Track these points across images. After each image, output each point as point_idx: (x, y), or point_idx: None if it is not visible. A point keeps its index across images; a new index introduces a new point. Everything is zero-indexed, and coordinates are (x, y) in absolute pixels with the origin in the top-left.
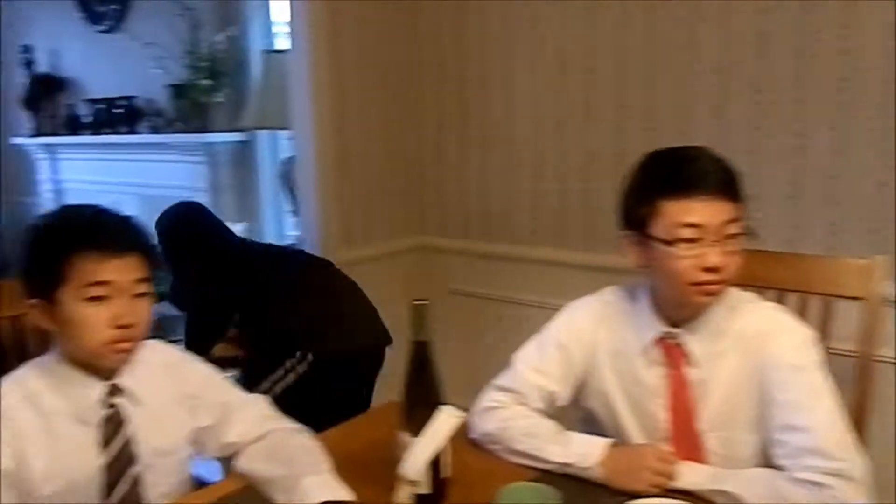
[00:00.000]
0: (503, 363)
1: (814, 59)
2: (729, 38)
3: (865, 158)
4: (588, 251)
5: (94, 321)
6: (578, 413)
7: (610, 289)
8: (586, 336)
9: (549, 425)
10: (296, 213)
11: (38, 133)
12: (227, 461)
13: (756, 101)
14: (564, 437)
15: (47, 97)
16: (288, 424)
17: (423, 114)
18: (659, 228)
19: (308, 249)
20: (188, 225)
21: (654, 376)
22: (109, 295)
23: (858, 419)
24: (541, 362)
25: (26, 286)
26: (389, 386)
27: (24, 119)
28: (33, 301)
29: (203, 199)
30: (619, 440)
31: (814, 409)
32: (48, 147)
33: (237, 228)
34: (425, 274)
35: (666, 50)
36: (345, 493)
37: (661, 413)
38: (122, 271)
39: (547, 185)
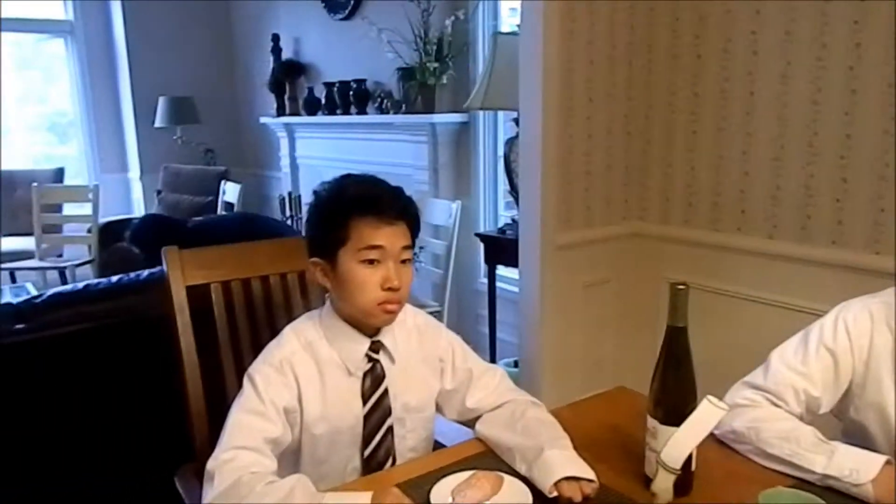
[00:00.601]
0: (730, 358)
1: None
2: None
3: None
4: (837, 248)
5: (368, 281)
6: (842, 425)
7: (892, 289)
8: (860, 340)
9: (809, 431)
10: (514, 193)
11: (281, 113)
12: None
13: None
14: (829, 447)
15: (290, 81)
16: (525, 397)
17: (651, 101)
18: None
19: (526, 230)
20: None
21: None
22: (381, 259)
23: None
24: (803, 363)
25: (310, 246)
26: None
27: (271, 101)
28: (316, 259)
29: (423, 176)
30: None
31: None
32: (287, 126)
33: (453, 207)
34: (641, 261)
35: None
36: (590, 472)
37: None
38: (393, 237)
39: (789, 177)
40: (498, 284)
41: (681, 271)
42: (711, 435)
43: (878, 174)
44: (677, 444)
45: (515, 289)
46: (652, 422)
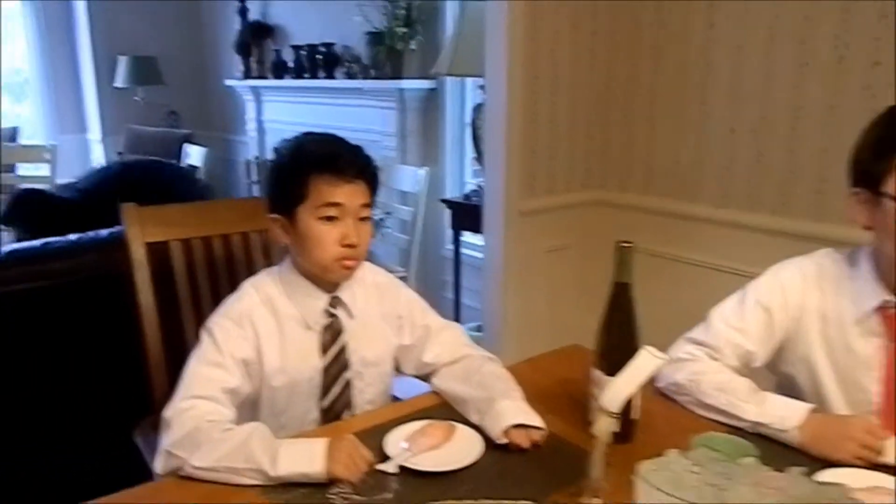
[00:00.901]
0: (681, 319)
1: None
2: None
3: None
4: (784, 216)
5: (326, 238)
6: (774, 378)
7: (825, 251)
8: (795, 299)
9: (743, 382)
10: (480, 160)
11: (247, 76)
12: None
13: None
14: (760, 396)
15: (257, 43)
16: (482, 352)
17: (614, 69)
18: (893, 186)
19: (490, 196)
20: None
21: (868, 347)
22: (339, 216)
23: None
24: (740, 320)
25: (270, 203)
26: (568, 330)
27: (237, 63)
28: (275, 216)
29: (391, 143)
30: (820, 408)
31: None
32: (254, 89)
33: (420, 173)
34: (602, 228)
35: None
36: (538, 420)
37: (871, 386)
38: (351, 195)
39: (741, 147)
40: (463, 250)
41: (639, 237)
42: (656, 389)
43: (821, 147)
44: (615, 389)
45: (481, 255)
46: (597, 373)
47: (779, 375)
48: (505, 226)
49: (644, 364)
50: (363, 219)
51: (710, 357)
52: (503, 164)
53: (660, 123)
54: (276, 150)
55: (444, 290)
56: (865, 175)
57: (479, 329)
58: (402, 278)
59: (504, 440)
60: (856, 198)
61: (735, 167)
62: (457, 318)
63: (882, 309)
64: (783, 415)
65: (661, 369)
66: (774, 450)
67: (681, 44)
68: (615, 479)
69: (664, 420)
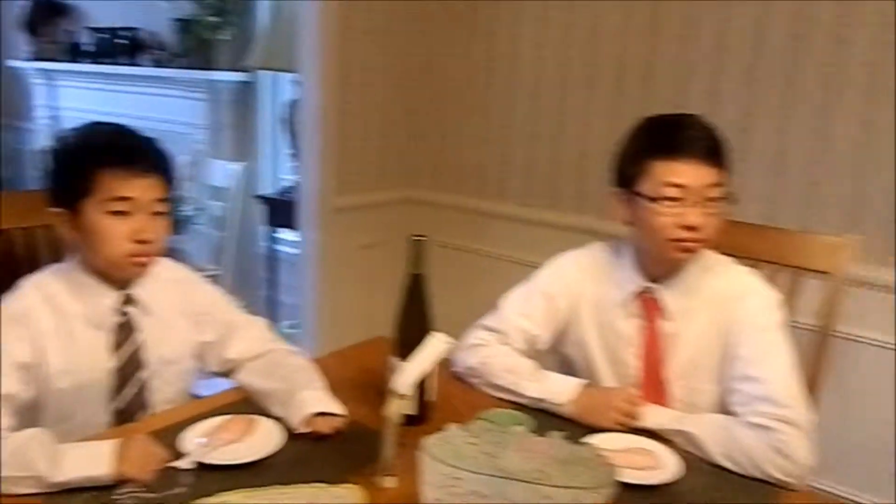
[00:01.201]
0: (483, 311)
1: (806, 44)
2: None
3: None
4: (580, 213)
5: (116, 234)
6: (556, 358)
7: (598, 244)
8: (572, 287)
9: (527, 364)
10: (295, 156)
11: (37, 58)
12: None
13: (749, 79)
14: (541, 375)
15: (48, 22)
16: (285, 346)
17: (427, 68)
18: (646, 186)
19: (306, 193)
20: None
21: (630, 327)
22: (131, 210)
23: (812, 389)
24: (526, 307)
25: (52, 196)
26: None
27: (23, 42)
28: (58, 210)
29: (202, 136)
30: (592, 383)
31: (770, 363)
32: (46, 73)
33: (235, 168)
34: (414, 225)
35: (668, 25)
36: (337, 408)
37: (632, 361)
38: (144, 189)
39: (542, 149)
40: (280, 247)
41: (447, 234)
42: (453, 373)
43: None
44: (405, 372)
45: (297, 251)
46: (393, 360)
47: (560, 356)
48: (320, 222)
49: (432, 349)
50: (158, 213)
51: (500, 342)
52: (318, 161)
53: (467, 124)
54: (58, 139)
55: (261, 287)
56: (623, 176)
57: (295, 326)
58: (216, 276)
59: (306, 429)
60: (616, 196)
61: (536, 167)
62: (272, 316)
63: (640, 294)
64: (558, 390)
65: (458, 354)
66: (555, 423)
67: (486, 52)
68: (409, 458)
69: (460, 401)
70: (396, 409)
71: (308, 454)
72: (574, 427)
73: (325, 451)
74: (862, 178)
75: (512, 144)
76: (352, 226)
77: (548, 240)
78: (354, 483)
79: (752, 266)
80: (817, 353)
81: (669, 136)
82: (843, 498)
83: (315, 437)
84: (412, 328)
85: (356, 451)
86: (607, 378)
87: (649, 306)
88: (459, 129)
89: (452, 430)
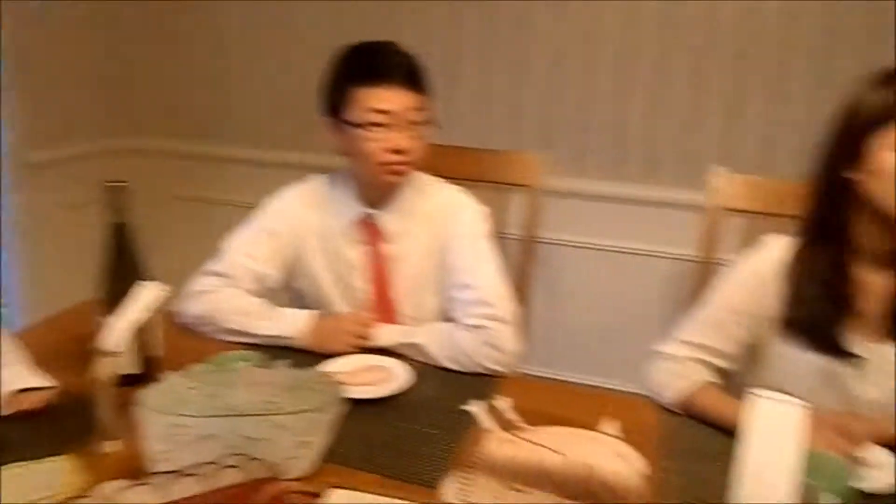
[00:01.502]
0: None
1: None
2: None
3: None
4: (305, 152)
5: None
6: (290, 294)
7: (315, 176)
8: (295, 220)
9: (258, 303)
10: None
11: None
12: None
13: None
14: (273, 312)
15: None
16: None
17: (126, 9)
18: (352, 114)
19: None
20: None
21: (355, 253)
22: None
23: (522, 288)
24: (251, 247)
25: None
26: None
27: None
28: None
29: None
30: (325, 313)
31: (480, 270)
32: None
33: None
34: (129, 177)
35: None
36: (42, 381)
37: (361, 285)
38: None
39: (261, 87)
40: None
41: (177, 184)
42: (181, 324)
43: None
44: (112, 328)
45: None
46: (101, 319)
47: (292, 292)
48: (13, 180)
49: (142, 299)
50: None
51: (228, 286)
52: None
53: (177, 67)
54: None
55: None
56: (330, 105)
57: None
58: None
59: (10, 409)
60: (326, 125)
61: (260, 106)
62: None
63: (362, 220)
64: (290, 324)
65: (183, 304)
66: (293, 357)
67: None
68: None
69: (191, 352)
70: (108, 368)
71: (22, 434)
72: (313, 358)
73: (42, 427)
74: (549, 105)
75: (225, 85)
76: (54, 183)
77: (285, 181)
78: (77, 454)
79: (460, 185)
80: (525, 257)
81: (370, 63)
82: (552, 380)
83: (24, 416)
84: (118, 282)
85: (73, 422)
86: (339, 305)
87: (371, 231)
88: (169, 71)
89: (170, 378)
